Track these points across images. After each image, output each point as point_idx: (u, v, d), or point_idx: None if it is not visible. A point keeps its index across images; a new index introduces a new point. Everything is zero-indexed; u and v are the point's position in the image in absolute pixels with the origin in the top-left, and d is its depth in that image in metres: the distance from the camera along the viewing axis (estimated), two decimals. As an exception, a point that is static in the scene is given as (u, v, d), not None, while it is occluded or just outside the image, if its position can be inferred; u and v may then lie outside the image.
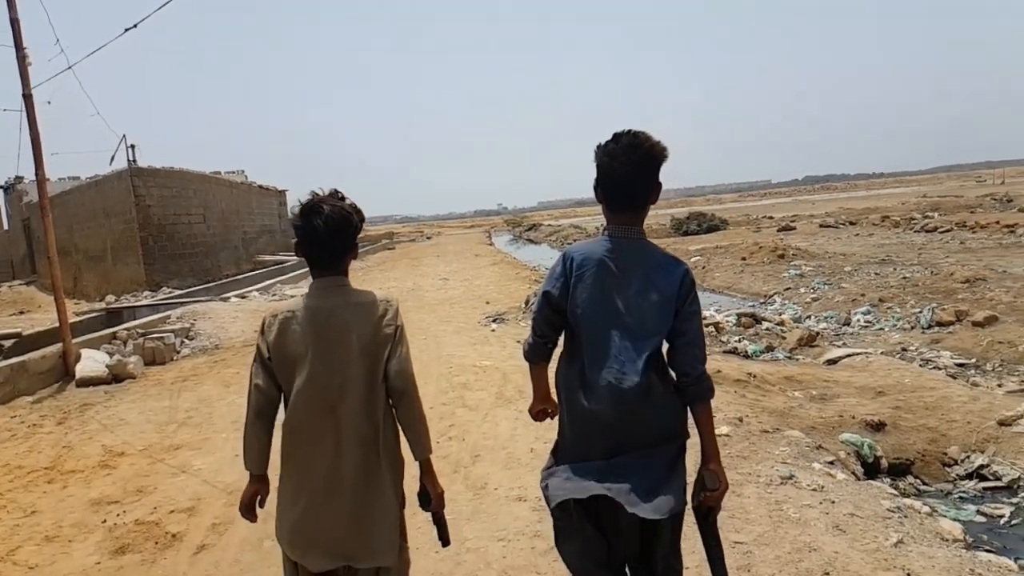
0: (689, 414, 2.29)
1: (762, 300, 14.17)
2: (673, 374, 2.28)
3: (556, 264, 2.34)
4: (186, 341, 10.45)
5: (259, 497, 2.37)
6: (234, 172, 33.22)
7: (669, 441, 2.24)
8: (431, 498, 2.37)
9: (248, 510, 2.35)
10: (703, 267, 18.33)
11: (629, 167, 2.23)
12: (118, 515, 4.42)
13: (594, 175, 2.32)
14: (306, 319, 2.25)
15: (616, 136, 2.26)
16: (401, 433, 2.35)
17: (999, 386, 7.08)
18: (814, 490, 3.82)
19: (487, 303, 12.98)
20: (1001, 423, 5.53)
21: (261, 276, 21.97)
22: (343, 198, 2.30)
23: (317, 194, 2.28)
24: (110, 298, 19.45)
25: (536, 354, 2.43)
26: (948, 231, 23.35)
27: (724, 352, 8.18)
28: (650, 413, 2.20)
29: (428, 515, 2.45)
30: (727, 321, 9.93)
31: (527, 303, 11.57)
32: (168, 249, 22.05)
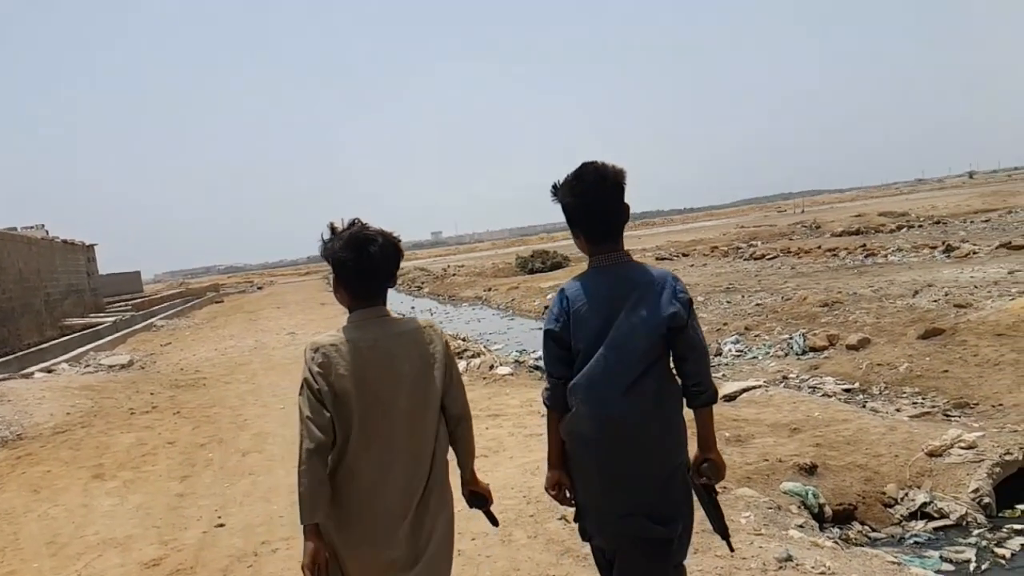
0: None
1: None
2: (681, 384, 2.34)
3: (553, 303, 2.37)
4: (-23, 433, 8.49)
5: (325, 560, 2.11)
6: (33, 227, 29.49)
7: (668, 469, 2.29)
8: (484, 497, 2.43)
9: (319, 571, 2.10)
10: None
11: (602, 200, 2.31)
12: None
13: (563, 216, 2.37)
14: (350, 353, 2.16)
15: (579, 174, 2.31)
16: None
17: (897, 411, 7.01)
18: (822, 573, 3.22)
19: (348, 359, 11.79)
20: (931, 454, 5.29)
21: (70, 344, 19.20)
22: (367, 226, 2.25)
23: (336, 227, 2.23)
24: None
25: (556, 398, 2.37)
26: (775, 258, 24.77)
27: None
28: (643, 433, 2.25)
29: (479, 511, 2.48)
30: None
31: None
32: (-49, 319, 18.82)
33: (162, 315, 29.14)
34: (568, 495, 2.42)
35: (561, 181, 2.35)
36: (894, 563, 3.59)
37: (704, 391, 2.31)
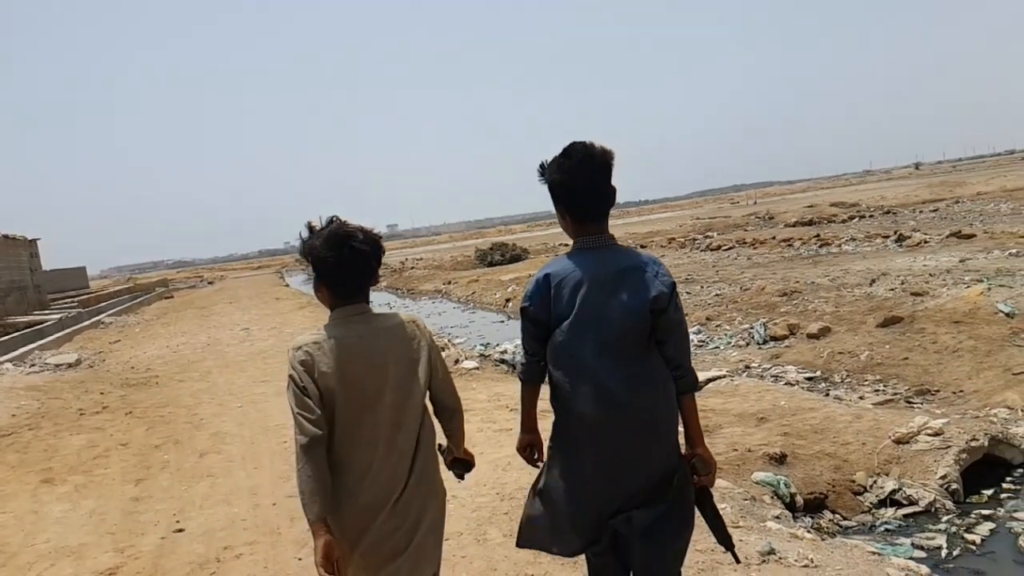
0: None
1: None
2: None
3: (531, 283, 2.37)
4: (-86, 438, 8.05)
5: (339, 557, 2.04)
6: (-30, 221, 28.37)
7: (664, 451, 2.27)
8: (468, 464, 2.49)
9: (335, 567, 2.03)
10: (521, 296, 17.97)
11: (588, 179, 2.29)
12: None
13: (549, 194, 2.36)
14: (333, 351, 2.14)
15: (567, 152, 2.30)
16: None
17: (860, 399, 7.08)
18: (805, 566, 3.18)
19: (308, 355, 11.49)
20: (898, 441, 5.33)
21: (14, 342, 18.46)
22: (347, 223, 2.23)
23: (314, 226, 2.21)
24: None
25: (530, 373, 2.45)
26: (731, 248, 25.05)
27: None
28: (635, 414, 2.23)
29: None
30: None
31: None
32: None
33: (110, 312, 28.25)
34: (535, 456, 2.53)
35: (549, 160, 2.33)
36: (874, 553, 3.57)
37: (684, 375, 2.30)
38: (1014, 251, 13.93)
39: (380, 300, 25.80)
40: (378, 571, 2.18)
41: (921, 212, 29.09)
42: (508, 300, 18.88)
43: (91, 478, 6.16)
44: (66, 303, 31.56)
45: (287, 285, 39.24)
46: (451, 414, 2.37)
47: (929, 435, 5.25)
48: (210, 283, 55.85)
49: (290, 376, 2.13)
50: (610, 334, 2.23)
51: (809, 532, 3.81)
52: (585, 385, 2.24)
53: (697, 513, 2.39)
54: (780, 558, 3.28)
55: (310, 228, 2.21)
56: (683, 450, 2.37)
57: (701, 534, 3.64)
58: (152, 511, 5.19)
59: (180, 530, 4.76)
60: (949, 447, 5.10)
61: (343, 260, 2.16)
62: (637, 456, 2.26)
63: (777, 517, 4.00)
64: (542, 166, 2.34)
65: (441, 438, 2.43)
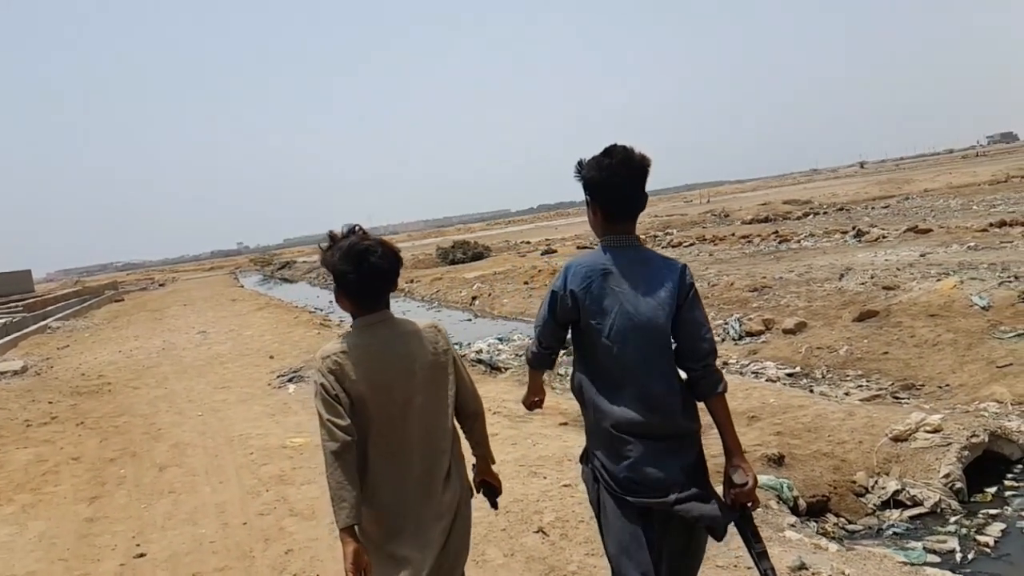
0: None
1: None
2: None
3: (557, 280, 2.37)
4: None
5: (367, 562, 2.06)
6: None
7: (692, 438, 2.29)
8: (496, 489, 2.52)
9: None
10: (488, 294, 17.66)
11: (627, 180, 2.32)
12: None
13: (585, 191, 2.38)
14: (361, 358, 2.16)
15: (608, 151, 2.33)
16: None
17: (846, 395, 6.97)
18: (841, 582, 2.95)
19: (271, 358, 10.99)
20: (896, 439, 5.19)
21: (-47, 350, 17.53)
22: (367, 235, 2.25)
23: (336, 236, 2.23)
24: None
25: (541, 363, 2.55)
26: (692, 245, 25.10)
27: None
28: (678, 411, 2.23)
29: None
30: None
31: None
32: None
33: (57, 316, 27.18)
34: (536, 400, 2.67)
35: (587, 159, 2.36)
36: (905, 564, 3.39)
37: (701, 376, 2.26)
38: (972, 245, 14.12)
39: (340, 300, 25.24)
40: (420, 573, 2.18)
41: (873, 208, 29.54)
42: (474, 298, 18.55)
43: (40, 497, 5.69)
44: (10, 307, 30.22)
45: (242, 286, 38.30)
46: (475, 418, 2.40)
47: (928, 432, 5.11)
48: (162, 285, 54.36)
49: (320, 385, 2.12)
50: (653, 333, 2.23)
51: (834, 543, 3.59)
52: (630, 387, 2.22)
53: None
54: (813, 573, 3.05)
55: (332, 238, 2.21)
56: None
57: (720, 548, 3.40)
58: (109, 533, 4.78)
59: (141, 555, 4.36)
60: (950, 444, 4.96)
61: (362, 275, 2.16)
62: (674, 456, 2.23)
63: (793, 525, 3.79)
64: (580, 163, 2.35)
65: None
